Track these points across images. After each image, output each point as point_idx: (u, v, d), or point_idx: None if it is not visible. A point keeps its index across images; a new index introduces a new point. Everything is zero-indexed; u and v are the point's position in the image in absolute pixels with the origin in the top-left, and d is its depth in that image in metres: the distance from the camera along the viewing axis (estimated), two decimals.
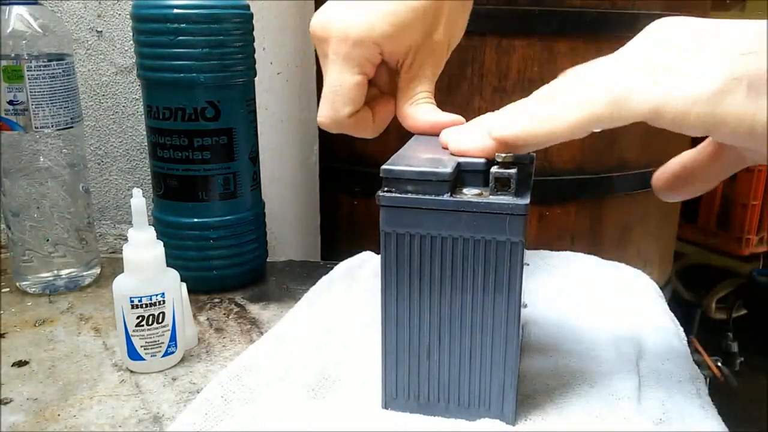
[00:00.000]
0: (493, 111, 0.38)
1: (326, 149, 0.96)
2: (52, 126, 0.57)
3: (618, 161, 1.00)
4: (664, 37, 0.33)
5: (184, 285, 0.48)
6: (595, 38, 0.91)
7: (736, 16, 1.88)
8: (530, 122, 0.35)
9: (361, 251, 0.65)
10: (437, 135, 0.41)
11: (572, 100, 0.34)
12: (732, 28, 0.32)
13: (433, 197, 0.35)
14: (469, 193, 0.36)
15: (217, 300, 0.59)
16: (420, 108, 0.45)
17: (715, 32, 0.32)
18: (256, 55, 0.58)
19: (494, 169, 0.35)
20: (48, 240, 0.59)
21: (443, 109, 0.45)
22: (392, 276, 0.37)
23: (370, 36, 0.43)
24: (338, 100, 0.45)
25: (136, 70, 0.57)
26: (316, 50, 0.46)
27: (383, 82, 0.48)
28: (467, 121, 0.41)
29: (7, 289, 0.61)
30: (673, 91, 0.31)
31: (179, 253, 0.57)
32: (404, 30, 0.44)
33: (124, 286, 0.45)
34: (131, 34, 0.56)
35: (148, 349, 0.46)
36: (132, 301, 0.44)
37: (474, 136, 0.37)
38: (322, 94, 0.46)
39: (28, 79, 0.55)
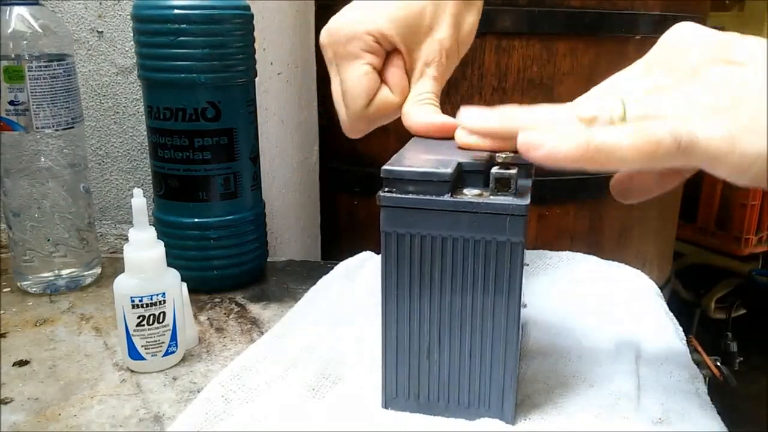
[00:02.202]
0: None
1: (326, 149, 0.96)
2: (53, 126, 0.57)
3: None
4: (729, 74, 0.32)
5: (184, 285, 0.48)
6: (595, 38, 0.91)
7: (735, 16, 1.88)
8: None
9: (361, 251, 0.65)
10: (433, 137, 0.42)
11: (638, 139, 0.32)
12: None
13: (433, 198, 0.35)
14: (470, 194, 0.36)
15: (217, 300, 0.59)
16: (421, 108, 0.45)
17: None
18: (256, 56, 0.58)
19: (494, 169, 0.35)
20: (49, 240, 0.60)
21: (443, 110, 0.45)
22: (392, 276, 0.37)
23: (360, 27, 0.44)
24: (349, 98, 0.45)
25: (137, 71, 0.57)
26: (319, 52, 0.46)
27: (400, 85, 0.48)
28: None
29: (8, 289, 0.61)
30: (737, 147, 0.31)
31: (180, 253, 0.57)
32: (398, 21, 0.44)
33: (124, 285, 0.45)
34: (132, 34, 0.56)
35: (148, 348, 0.46)
36: (133, 301, 0.44)
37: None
38: (335, 103, 0.46)
39: (29, 79, 0.56)
